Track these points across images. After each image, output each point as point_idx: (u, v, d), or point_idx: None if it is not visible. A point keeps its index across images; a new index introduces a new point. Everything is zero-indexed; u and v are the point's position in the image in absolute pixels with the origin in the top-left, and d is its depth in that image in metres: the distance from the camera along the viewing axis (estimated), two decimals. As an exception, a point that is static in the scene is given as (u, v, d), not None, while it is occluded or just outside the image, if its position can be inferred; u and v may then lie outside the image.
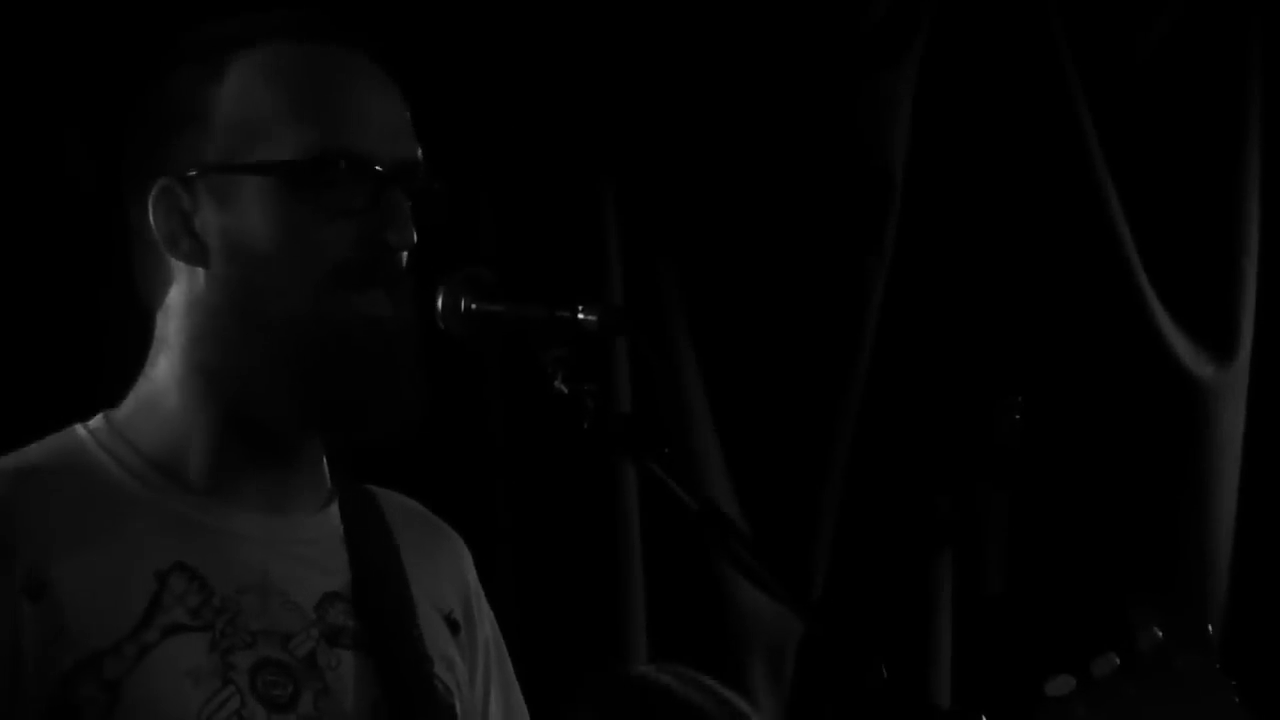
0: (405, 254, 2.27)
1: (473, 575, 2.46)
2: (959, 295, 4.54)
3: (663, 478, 2.34)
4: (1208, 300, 4.78)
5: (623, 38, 4.04)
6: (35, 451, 2.32)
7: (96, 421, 2.33)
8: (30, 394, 3.43)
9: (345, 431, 2.34)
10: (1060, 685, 2.23)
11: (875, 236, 4.38)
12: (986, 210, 4.56)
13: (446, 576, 2.44)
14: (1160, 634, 2.28)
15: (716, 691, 3.40)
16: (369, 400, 2.30)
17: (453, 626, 2.42)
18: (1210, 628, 2.37)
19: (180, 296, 2.30)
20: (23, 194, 3.54)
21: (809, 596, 4.09)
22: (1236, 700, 2.28)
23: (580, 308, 2.23)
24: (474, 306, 2.26)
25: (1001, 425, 4.46)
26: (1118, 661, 2.25)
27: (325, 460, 2.35)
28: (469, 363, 3.54)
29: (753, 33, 4.15)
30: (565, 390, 2.22)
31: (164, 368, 2.31)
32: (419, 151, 2.29)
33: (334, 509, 2.36)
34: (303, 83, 2.28)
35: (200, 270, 2.27)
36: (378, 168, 2.25)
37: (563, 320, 2.24)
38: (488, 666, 2.47)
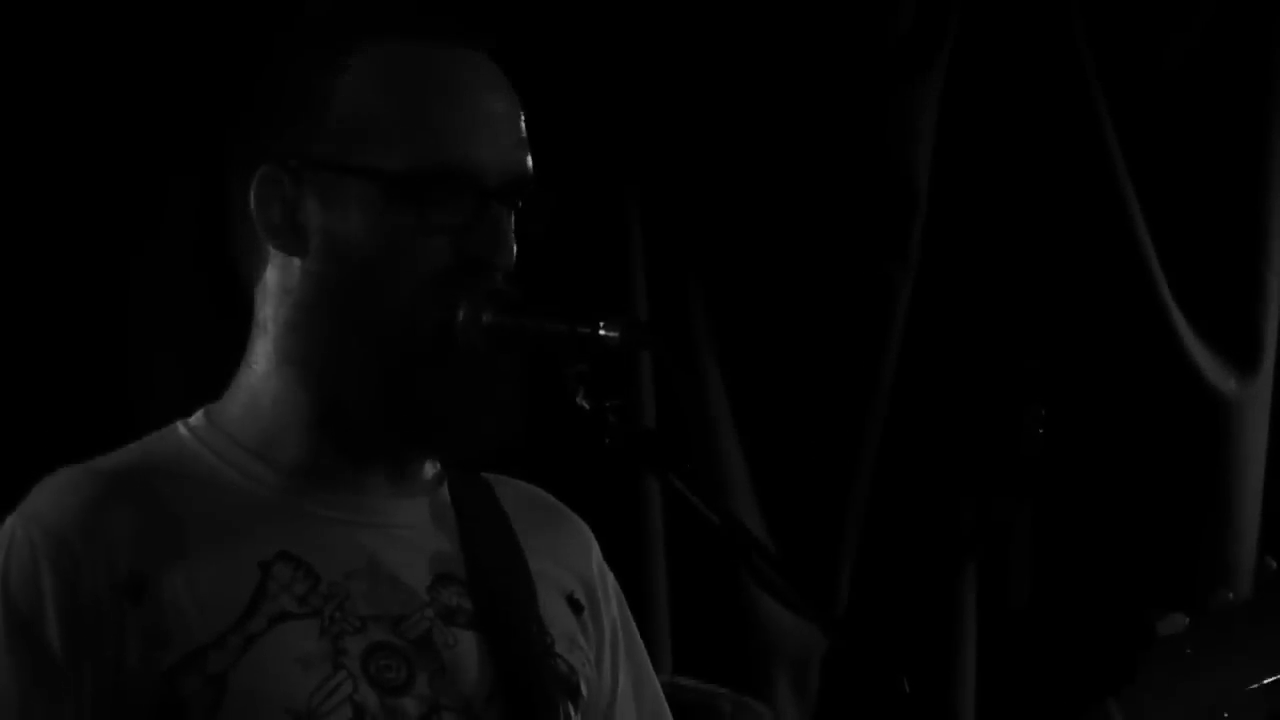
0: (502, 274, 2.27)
1: (597, 556, 2.44)
2: (983, 306, 4.50)
3: (685, 493, 2.27)
4: (1230, 313, 4.75)
5: (648, 49, 4.03)
6: (135, 451, 2.32)
7: (197, 418, 2.32)
8: (59, 370, 3.41)
9: (430, 444, 2.33)
10: (1172, 622, 2.28)
11: (900, 248, 4.35)
12: (1010, 222, 4.53)
13: (568, 558, 2.42)
14: (1273, 563, 2.33)
15: (733, 695, 3.50)
16: (455, 416, 2.28)
17: (575, 607, 2.40)
18: None
19: (275, 281, 2.29)
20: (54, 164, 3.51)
21: (833, 611, 3.99)
22: None
23: (602, 323, 2.19)
24: (495, 321, 2.22)
25: (1025, 436, 4.45)
26: (1231, 596, 2.31)
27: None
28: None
29: (779, 45, 4.12)
30: (587, 406, 2.19)
31: (261, 355, 2.30)
32: (529, 162, 2.28)
33: (444, 491, 2.34)
34: (422, 89, 2.25)
35: (296, 260, 2.26)
36: (486, 184, 2.23)
37: (584, 336, 2.20)
38: (615, 647, 2.44)
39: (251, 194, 2.28)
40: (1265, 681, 2.29)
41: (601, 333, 2.19)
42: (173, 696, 2.23)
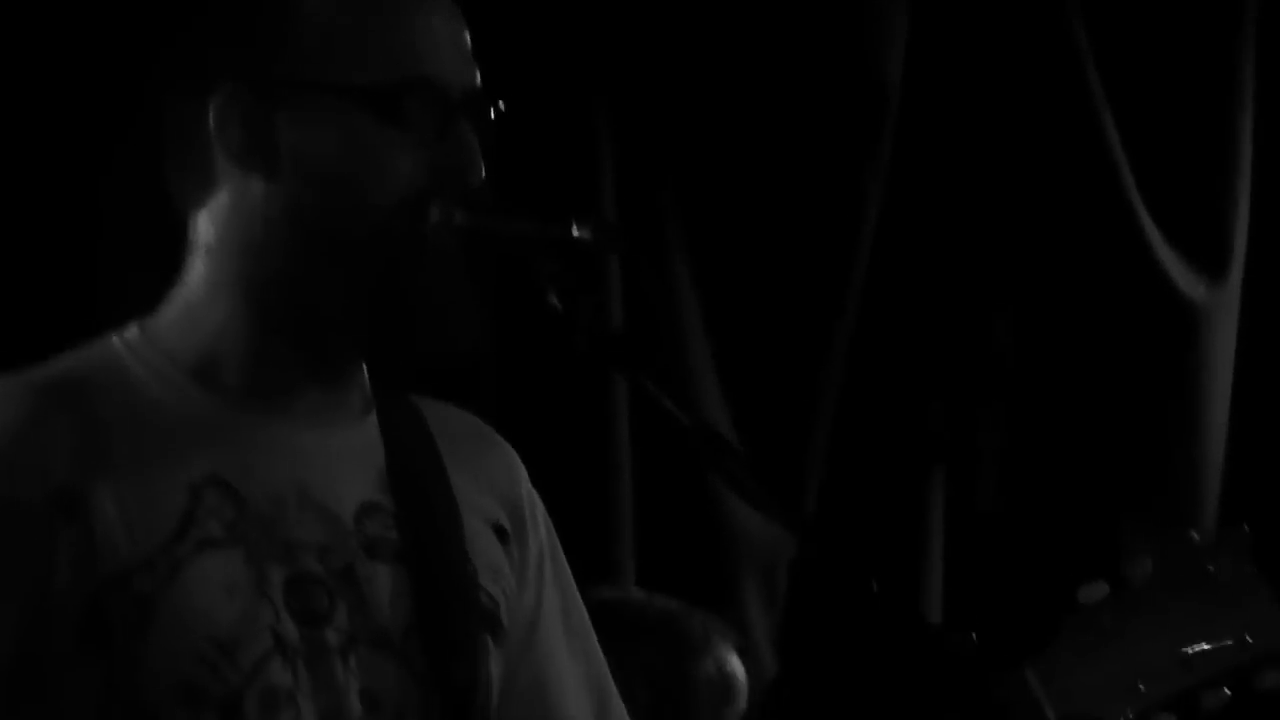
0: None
1: (525, 484, 2.41)
2: (955, 212, 4.48)
3: (655, 394, 2.23)
4: (1200, 219, 4.74)
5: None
6: (68, 362, 2.28)
7: (131, 332, 2.29)
8: (31, 284, 3.39)
9: (394, 354, 2.29)
10: (1093, 591, 2.21)
11: (871, 150, 4.33)
12: (982, 127, 4.51)
13: (495, 485, 2.39)
14: (1196, 538, 2.24)
15: (703, 614, 3.42)
16: (428, 320, 2.25)
17: (501, 536, 2.36)
18: (1247, 529, 2.29)
19: (229, 203, 2.26)
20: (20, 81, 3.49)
21: (802, 513, 3.71)
22: (1274, 600, 2.24)
23: (573, 223, 2.15)
24: (468, 222, 2.19)
25: (995, 340, 4.49)
26: (1151, 567, 2.23)
27: (365, 371, 2.32)
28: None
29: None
30: (558, 306, 2.16)
31: (204, 274, 2.27)
32: (479, 78, 2.26)
33: (373, 419, 2.31)
34: (379, 7, 2.24)
35: (258, 180, 2.23)
36: (450, 97, 2.22)
37: (556, 236, 2.17)
38: (540, 571, 2.42)
39: (210, 115, 2.24)
40: (1182, 653, 2.24)
41: (573, 233, 2.17)
42: (99, 618, 2.21)
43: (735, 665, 3.42)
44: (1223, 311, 4.70)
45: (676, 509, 4.02)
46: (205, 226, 2.25)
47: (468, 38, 2.25)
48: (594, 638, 2.45)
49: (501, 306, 2.50)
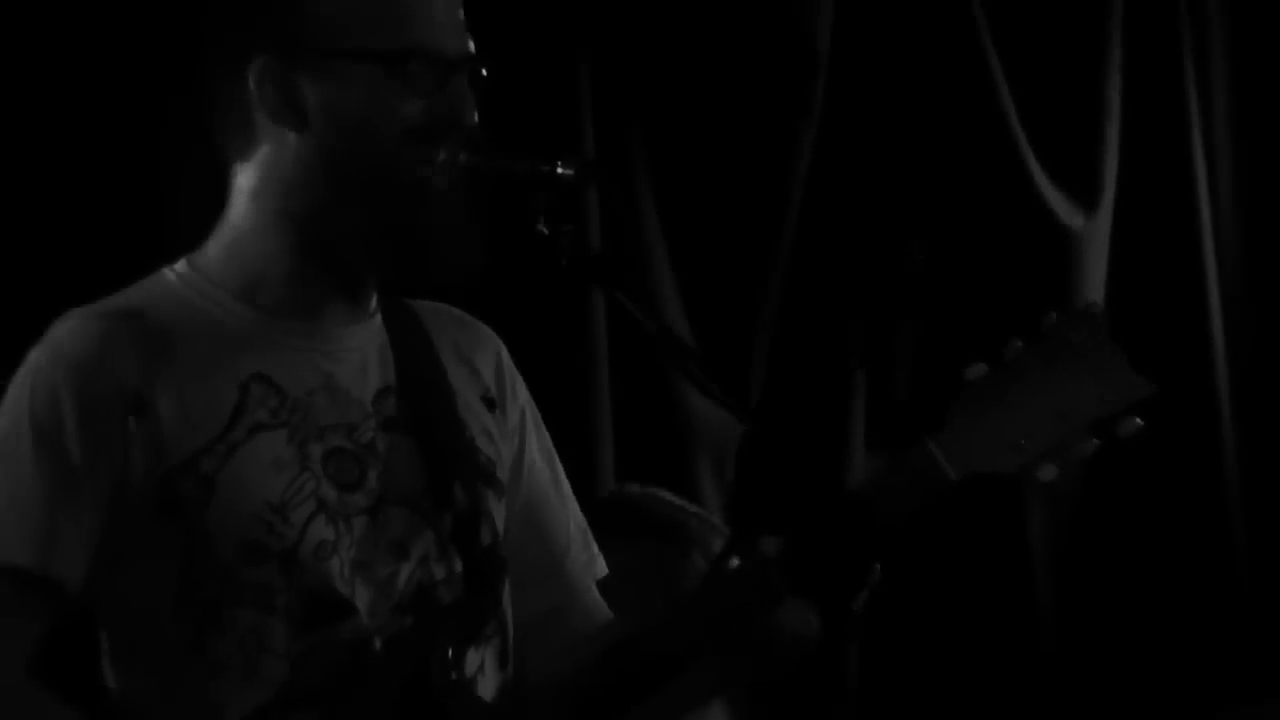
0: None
1: (505, 358, 2.57)
2: (875, 153, 4.65)
3: (627, 305, 2.48)
4: (1077, 159, 4.95)
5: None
6: (132, 293, 2.45)
7: (181, 265, 2.46)
8: (96, 231, 3.49)
9: (407, 271, 2.46)
10: (975, 371, 2.37)
11: (805, 104, 4.45)
12: (898, 81, 4.67)
13: (481, 363, 2.56)
14: (1054, 316, 2.39)
15: (702, 515, 3.55)
16: (435, 245, 2.41)
17: (489, 404, 2.54)
18: (1099, 302, 2.49)
19: (269, 153, 2.40)
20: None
21: (747, 404, 4.15)
22: (1126, 362, 2.38)
23: (559, 162, 2.35)
24: (471, 161, 2.37)
25: (909, 265, 4.67)
26: (1021, 344, 2.37)
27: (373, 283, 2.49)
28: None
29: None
30: (546, 231, 2.35)
31: (248, 213, 2.42)
32: (472, 45, 2.40)
33: (379, 319, 2.46)
34: None
35: (291, 133, 2.37)
36: (448, 57, 2.37)
37: (544, 172, 2.35)
38: (523, 427, 2.58)
39: (249, 81, 2.38)
40: (1053, 412, 2.38)
41: (559, 170, 2.35)
42: (170, 496, 2.37)
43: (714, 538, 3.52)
44: (1096, 239, 4.92)
45: (644, 399, 4.17)
46: (248, 174, 2.41)
47: (461, 13, 2.40)
48: (568, 485, 2.62)
49: (495, 231, 2.72)
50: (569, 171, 2.38)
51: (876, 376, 4.63)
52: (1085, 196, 4.97)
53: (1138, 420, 2.35)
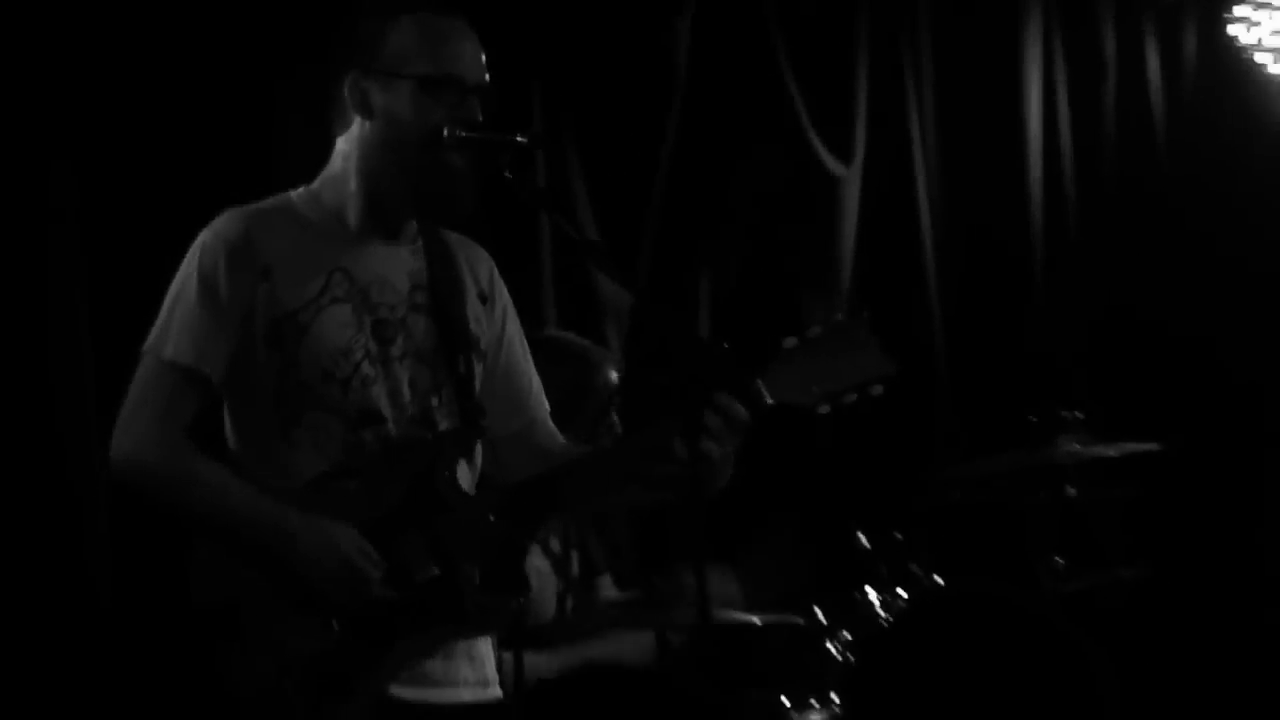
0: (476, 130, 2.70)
1: (495, 271, 2.90)
2: (715, 115, 5.14)
3: (560, 222, 3.16)
4: (839, 125, 5.53)
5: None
6: (268, 201, 2.80)
7: (301, 190, 2.81)
8: (251, 167, 3.81)
9: (430, 214, 2.80)
10: (789, 341, 2.67)
11: (672, 52, 4.90)
12: (729, 61, 5.19)
13: (479, 273, 2.88)
14: (839, 315, 2.72)
15: (599, 347, 3.99)
16: (442, 196, 2.74)
17: (483, 299, 2.86)
18: (867, 313, 2.69)
19: (353, 133, 2.79)
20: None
21: (638, 284, 4.32)
22: (879, 348, 2.67)
23: (519, 134, 2.71)
24: (467, 135, 2.71)
25: (731, 197, 5.25)
26: (819, 328, 2.68)
27: (416, 220, 2.80)
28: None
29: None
30: (510, 177, 2.69)
31: (341, 167, 2.80)
32: (487, 75, 2.76)
33: (420, 242, 2.81)
34: (436, 35, 2.75)
35: (367, 122, 2.76)
36: (467, 84, 2.73)
37: (511, 140, 2.69)
38: (505, 316, 2.90)
39: (345, 86, 2.76)
40: (832, 371, 2.64)
41: (519, 139, 2.70)
42: (277, 333, 2.70)
43: (615, 378, 3.96)
44: (853, 180, 5.56)
45: (575, 284, 4.81)
46: (343, 143, 2.80)
47: (482, 55, 2.74)
48: (530, 356, 2.90)
49: (480, 184, 2.66)
50: (526, 139, 2.72)
51: (717, 284, 5.16)
52: (844, 150, 5.57)
53: (880, 388, 2.67)
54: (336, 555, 2.59)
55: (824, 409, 2.65)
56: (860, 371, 2.67)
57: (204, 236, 2.71)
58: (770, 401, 2.61)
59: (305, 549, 2.59)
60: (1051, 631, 3.38)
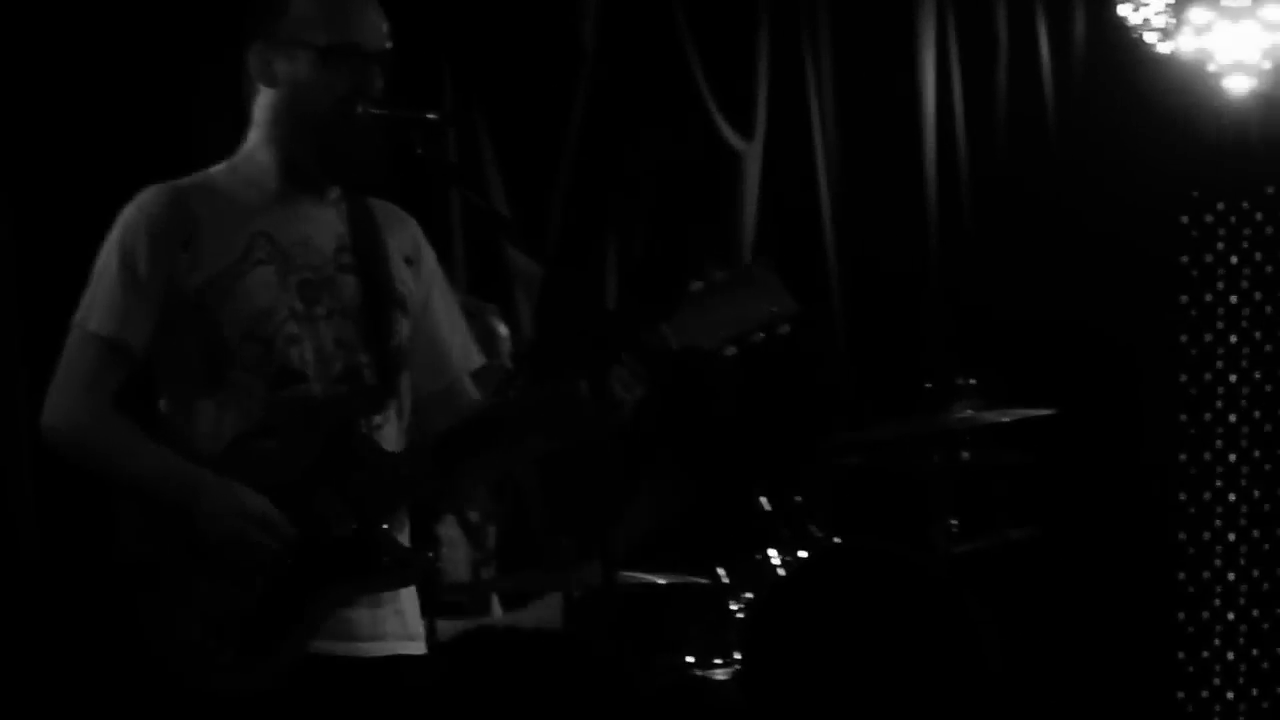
0: (377, 94, 2.72)
1: (421, 237, 2.89)
2: (623, 90, 5.29)
3: (470, 197, 3.50)
4: (740, 100, 5.64)
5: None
6: (190, 177, 2.82)
7: (220, 165, 2.84)
8: (171, 143, 3.90)
9: (340, 180, 2.79)
10: (695, 285, 2.69)
11: (578, 34, 5.02)
12: (639, 46, 5.34)
13: (405, 236, 2.89)
14: (747, 261, 2.91)
15: (495, 308, 4.09)
16: (352, 163, 2.76)
17: (409, 262, 2.87)
18: (771, 258, 2.69)
19: (262, 101, 2.81)
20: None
21: (552, 253, 4.99)
22: (785, 290, 2.65)
23: (431, 112, 2.72)
24: (377, 111, 2.71)
25: (641, 160, 5.40)
26: (724, 273, 2.67)
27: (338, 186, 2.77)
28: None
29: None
30: (421, 153, 2.70)
31: (254, 136, 2.82)
32: (389, 43, 2.75)
33: (344, 205, 2.81)
34: (335, 2, 2.76)
35: (272, 90, 2.78)
36: (368, 51, 2.73)
37: (420, 117, 2.70)
38: (431, 281, 2.90)
39: (250, 56, 2.76)
40: (738, 313, 2.62)
41: (430, 116, 2.71)
42: (200, 299, 2.69)
43: (500, 325, 4.13)
44: (754, 156, 5.69)
45: (484, 253, 4.91)
46: (256, 112, 2.81)
47: (385, 23, 2.74)
48: (458, 314, 2.91)
49: (392, 155, 2.66)
50: (436, 116, 2.72)
51: (623, 254, 5.27)
52: (746, 127, 5.68)
53: (787, 328, 2.65)
54: (240, 516, 2.63)
55: (730, 351, 2.65)
56: (766, 312, 2.66)
57: (126, 211, 2.74)
58: (675, 347, 2.62)
59: (209, 506, 2.63)
60: (937, 587, 3.56)
